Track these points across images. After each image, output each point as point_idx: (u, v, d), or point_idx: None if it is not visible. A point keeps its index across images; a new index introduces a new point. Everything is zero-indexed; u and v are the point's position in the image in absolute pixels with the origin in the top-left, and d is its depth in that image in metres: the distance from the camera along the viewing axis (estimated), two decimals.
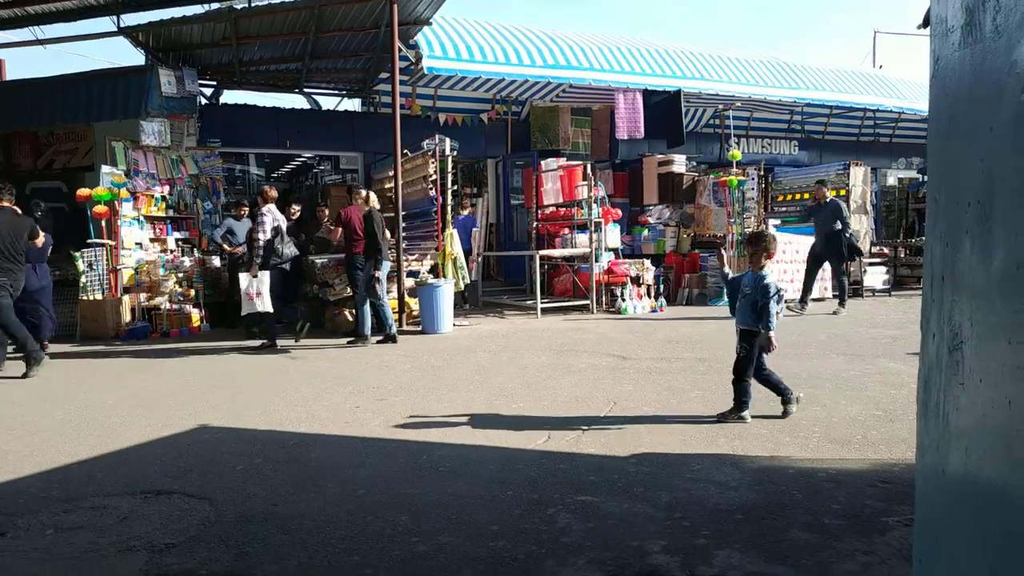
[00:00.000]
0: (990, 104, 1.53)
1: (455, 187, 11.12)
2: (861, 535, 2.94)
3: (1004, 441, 1.44)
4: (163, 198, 11.06)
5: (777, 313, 4.67)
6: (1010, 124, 1.44)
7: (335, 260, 9.92)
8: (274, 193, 9.03)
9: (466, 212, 13.02)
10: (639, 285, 11.39)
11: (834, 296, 11.12)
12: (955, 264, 1.69)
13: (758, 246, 4.91)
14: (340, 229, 9.21)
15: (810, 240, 12.38)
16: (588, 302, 11.01)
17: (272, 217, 8.55)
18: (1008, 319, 1.43)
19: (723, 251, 5.44)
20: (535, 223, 12.41)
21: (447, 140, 10.34)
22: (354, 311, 9.43)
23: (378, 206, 8.70)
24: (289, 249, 8.60)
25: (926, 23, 2.02)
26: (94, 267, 9.95)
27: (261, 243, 8.42)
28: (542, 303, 10.70)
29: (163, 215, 11.11)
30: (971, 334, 1.59)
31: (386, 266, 8.52)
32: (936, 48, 1.83)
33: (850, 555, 2.77)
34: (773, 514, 3.18)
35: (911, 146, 19.72)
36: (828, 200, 10.54)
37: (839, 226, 10.19)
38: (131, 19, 11.04)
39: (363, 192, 8.79)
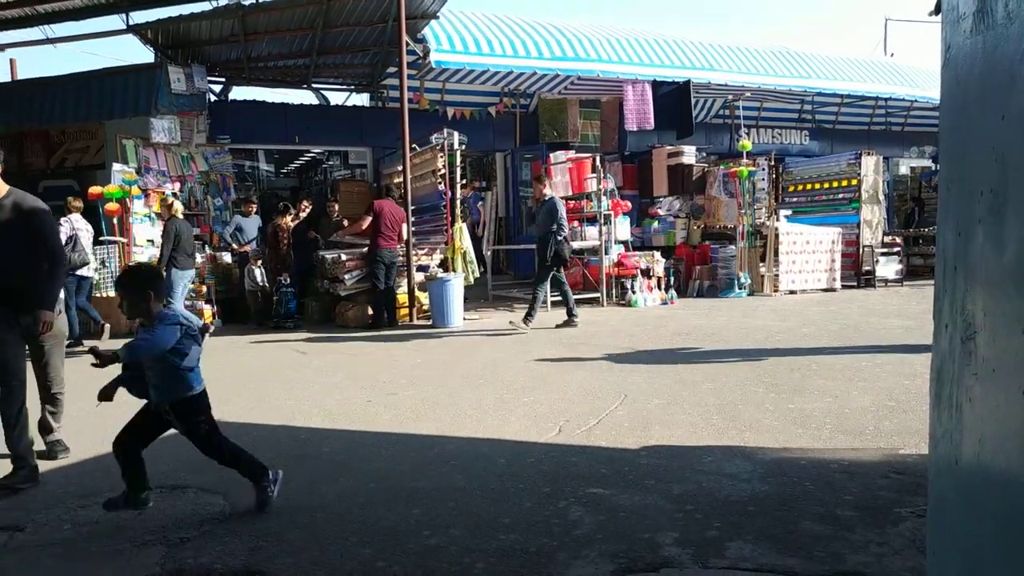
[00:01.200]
0: (1002, 92, 1.51)
1: (463, 181, 11.10)
2: (874, 526, 2.93)
3: (1018, 431, 1.43)
4: (174, 195, 11.12)
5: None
6: (1022, 112, 1.43)
7: (347, 255, 9.96)
8: (78, 203, 9.05)
9: (467, 191, 13.19)
10: (649, 277, 11.36)
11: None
12: (968, 254, 1.68)
13: (131, 285, 3.28)
14: (369, 219, 9.20)
15: (822, 230, 12.36)
16: (598, 295, 11.00)
17: (70, 226, 8.63)
18: (1022, 308, 1.41)
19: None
20: None
21: (455, 134, 10.34)
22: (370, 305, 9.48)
23: (182, 216, 8.62)
24: (81, 258, 8.62)
25: (937, 10, 2.00)
26: (107, 264, 10.02)
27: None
28: (552, 296, 10.69)
29: None
30: (984, 324, 1.58)
31: (179, 275, 8.43)
32: (947, 35, 1.81)
33: (863, 546, 2.76)
34: (785, 505, 3.17)
35: (924, 134, 19.54)
36: (546, 198, 9.07)
37: (555, 228, 8.73)
38: (140, 17, 11.12)
39: (169, 199, 8.80)
